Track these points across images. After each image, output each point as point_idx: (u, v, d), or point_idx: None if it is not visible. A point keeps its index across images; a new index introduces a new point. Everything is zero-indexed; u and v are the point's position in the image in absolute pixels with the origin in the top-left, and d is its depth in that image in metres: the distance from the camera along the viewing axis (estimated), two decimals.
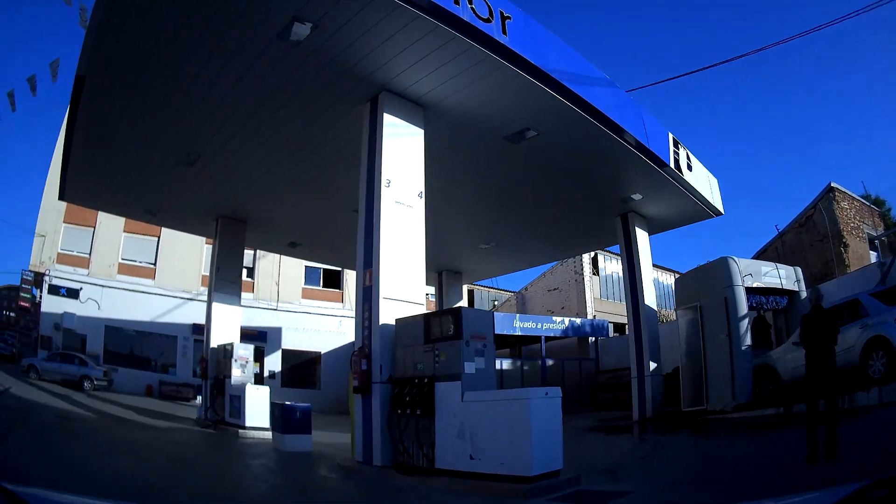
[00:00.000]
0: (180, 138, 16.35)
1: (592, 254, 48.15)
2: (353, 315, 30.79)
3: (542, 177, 18.52)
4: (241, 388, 18.24)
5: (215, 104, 14.53)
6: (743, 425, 15.68)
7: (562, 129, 15.34)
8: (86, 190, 20.64)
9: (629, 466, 11.72)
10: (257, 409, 17.92)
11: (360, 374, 11.65)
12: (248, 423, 17.69)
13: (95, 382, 29.71)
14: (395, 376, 11.51)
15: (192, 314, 34.82)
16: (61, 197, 21.58)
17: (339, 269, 40.92)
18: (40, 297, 37.03)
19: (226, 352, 19.89)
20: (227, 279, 21.67)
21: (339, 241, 23.16)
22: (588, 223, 22.66)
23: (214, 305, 21.29)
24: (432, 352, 10.78)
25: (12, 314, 59.53)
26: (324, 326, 39.78)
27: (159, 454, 13.38)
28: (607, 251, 48.02)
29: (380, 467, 11.15)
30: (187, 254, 37.44)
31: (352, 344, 32.78)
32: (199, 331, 31.88)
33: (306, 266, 40.69)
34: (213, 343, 20.82)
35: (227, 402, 19.06)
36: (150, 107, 14.85)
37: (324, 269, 41.80)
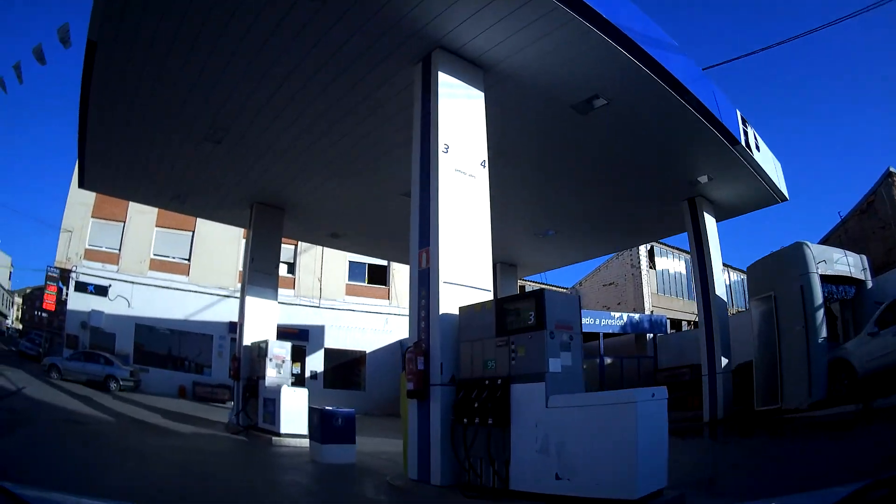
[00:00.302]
0: (204, 112, 14.92)
1: (648, 246, 46.24)
2: (401, 312, 31.85)
3: (607, 155, 16.88)
4: (276, 391, 16.74)
5: (241, 70, 13.01)
6: (826, 425, 14.61)
7: (633, 98, 13.67)
8: (106, 175, 19.43)
9: (726, 477, 10.49)
10: (294, 413, 16.41)
11: (416, 375, 9.91)
12: (282, 430, 16.23)
13: (121, 383, 29.09)
14: (460, 377, 9.76)
15: (229, 312, 33.73)
16: (81, 185, 20.25)
17: (385, 263, 40.18)
18: (66, 294, 36.28)
19: (260, 350, 18.40)
20: (262, 271, 20.32)
21: (385, 230, 22.14)
22: (653, 209, 20.98)
23: (248, 300, 19.91)
24: (507, 346, 8.99)
25: (45, 314, 59.15)
26: (369, 324, 38.83)
27: (172, 464, 11.92)
28: (662, 243, 46.84)
29: (439, 487, 9.37)
30: (223, 249, 36.88)
31: (399, 343, 32.71)
32: (236, 329, 31.41)
33: (350, 261, 40.11)
34: (247, 341, 19.44)
35: (261, 406, 17.62)
36: (169, 75, 13.41)
37: (369, 265, 41.05)
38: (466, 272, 10.55)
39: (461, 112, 11.47)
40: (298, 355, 32.59)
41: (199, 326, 35.97)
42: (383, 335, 38.44)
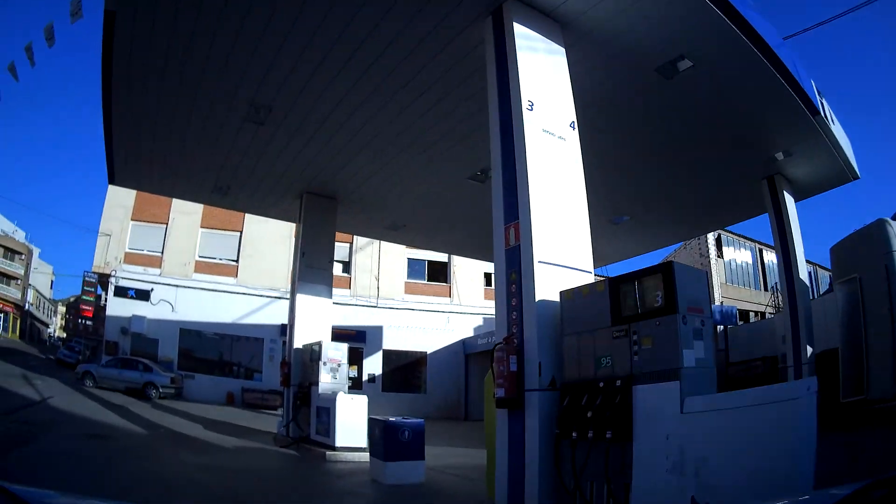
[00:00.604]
0: (242, 88, 13.42)
1: (716, 235, 44.46)
2: (463, 311, 31.73)
3: (687, 128, 15.06)
4: (331, 399, 15.05)
5: (282, 35, 11.53)
6: None
7: (718, 60, 12.06)
8: (137, 168, 18.22)
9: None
10: (351, 424, 14.76)
11: (508, 379, 8.05)
12: (338, 443, 14.61)
13: (161, 390, 28.21)
14: (564, 380, 7.94)
15: (280, 314, 32.21)
16: (111, 181, 18.95)
17: (446, 259, 39.29)
18: (106, 300, 35.73)
19: (313, 353, 16.84)
20: (314, 267, 18.82)
21: (450, 219, 20.91)
22: (730, 189, 19.14)
23: (299, 298, 18.40)
24: (627, 337, 7.12)
25: (88, 322, 58.81)
26: (430, 324, 37.80)
27: (203, 491, 10.00)
28: (728, 231, 45.40)
29: None
30: (273, 249, 36.19)
31: (461, 343, 31.71)
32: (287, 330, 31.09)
33: (409, 258, 39.33)
34: (298, 343, 17.91)
35: (314, 416, 16.08)
36: (199, 47, 12.02)
37: (429, 262, 40.02)
38: (563, 250, 8.80)
39: (543, 67, 9.82)
40: (355, 358, 31.57)
41: (248, 330, 35.23)
42: (445, 335, 37.32)
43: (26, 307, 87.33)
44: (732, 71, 12.40)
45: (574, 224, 9.15)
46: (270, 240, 35.90)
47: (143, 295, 34.43)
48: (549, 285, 8.33)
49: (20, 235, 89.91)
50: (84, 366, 30.29)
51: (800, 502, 3.55)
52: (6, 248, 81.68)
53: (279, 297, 35.32)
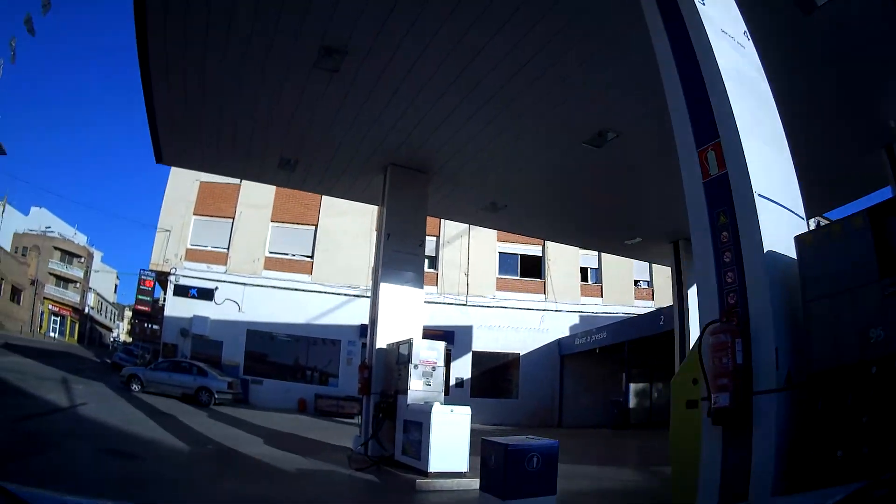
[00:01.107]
0: (311, 23, 10.95)
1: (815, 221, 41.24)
2: (558, 308, 30.63)
3: (820, 77, 11.93)
4: (425, 411, 12.19)
5: None
6: None
7: None
8: (187, 140, 16.42)
9: None
10: (450, 444, 11.86)
11: (732, 376, 5.23)
12: (432, 468, 11.60)
13: (217, 396, 26.49)
14: (814, 369, 5.19)
15: (360, 314, 30.87)
16: (159, 159, 17.06)
17: (539, 253, 37.24)
18: (164, 299, 35.22)
19: (400, 355, 14.14)
20: (402, 251, 16.19)
21: (562, 195, 18.66)
22: (845, 163, 16.01)
23: (384, 289, 15.79)
24: None
25: (155, 327, 57.94)
26: (523, 323, 35.67)
27: None
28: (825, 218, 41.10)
29: None
30: (352, 243, 35.03)
31: (556, 343, 30.05)
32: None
33: (500, 252, 37.21)
34: (381, 342, 15.32)
35: (400, 432, 13.30)
36: None
37: (521, 256, 37.80)
38: (780, 184, 6.15)
39: None
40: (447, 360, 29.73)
41: (324, 331, 33.88)
42: (538, 335, 35.29)
43: (86, 311, 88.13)
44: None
45: (778, 150, 6.51)
46: (349, 234, 34.61)
47: (207, 294, 33.30)
48: (776, 229, 5.66)
49: (80, 239, 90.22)
50: (130, 368, 28.83)
51: (800, 502, 3.62)
52: (63, 251, 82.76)
53: (358, 296, 33.66)
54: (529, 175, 17.07)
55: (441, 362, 13.81)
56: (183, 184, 35.22)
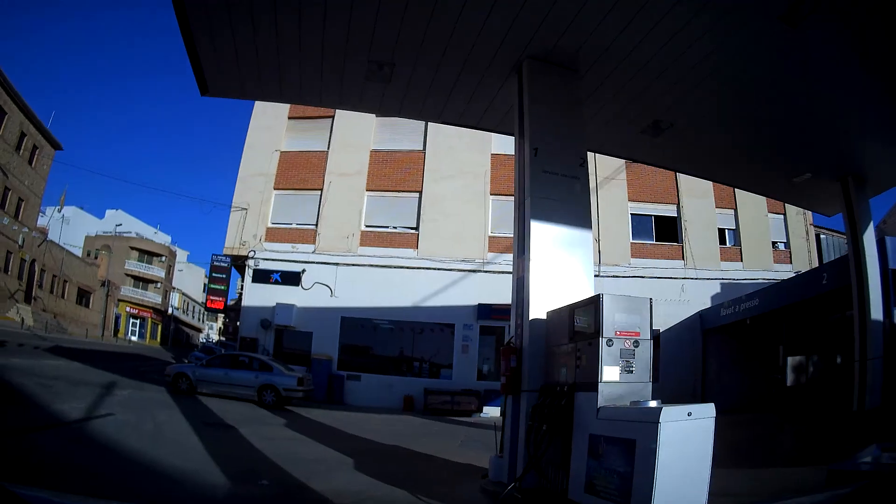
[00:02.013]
0: None
1: None
2: (699, 276, 30.00)
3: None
4: (643, 419, 7.29)
5: None
6: None
7: None
8: (237, 57, 12.90)
9: None
10: (688, 476, 7.09)
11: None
12: None
13: (284, 394, 23.67)
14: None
15: (476, 291, 29.28)
16: (205, 90, 13.98)
17: (675, 214, 33.52)
18: (241, 287, 32.94)
19: (576, 326, 9.16)
20: (556, 171, 11.37)
21: (750, 101, 13.96)
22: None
23: (535, 229, 10.83)
24: None
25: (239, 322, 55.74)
26: (661, 293, 30.57)
27: None
28: None
29: None
30: (464, 209, 31.97)
31: (697, 316, 30.68)
32: (488, 314, 29.09)
33: (633, 213, 33.21)
34: (536, 310, 10.40)
35: (582, 453, 8.27)
36: None
37: (655, 217, 33.76)
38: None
39: None
40: None
41: (433, 314, 30.50)
42: (678, 307, 31.10)
43: (170, 311, 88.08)
44: None
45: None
46: (459, 199, 31.39)
47: (292, 278, 30.39)
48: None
49: (164, 239, 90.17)
50: (177, 367, 25.63)
51: (800, 502, 4.14)
52: (142, 251, 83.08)
53: (474, 271, 30.42)
54: (702, 76, 12.76)
55: (647, 332, 8.80)
56: (260, 156, 32.93)
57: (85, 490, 8.29)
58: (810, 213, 32.11)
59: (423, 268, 30.52)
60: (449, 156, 32.06)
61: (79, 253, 72.86)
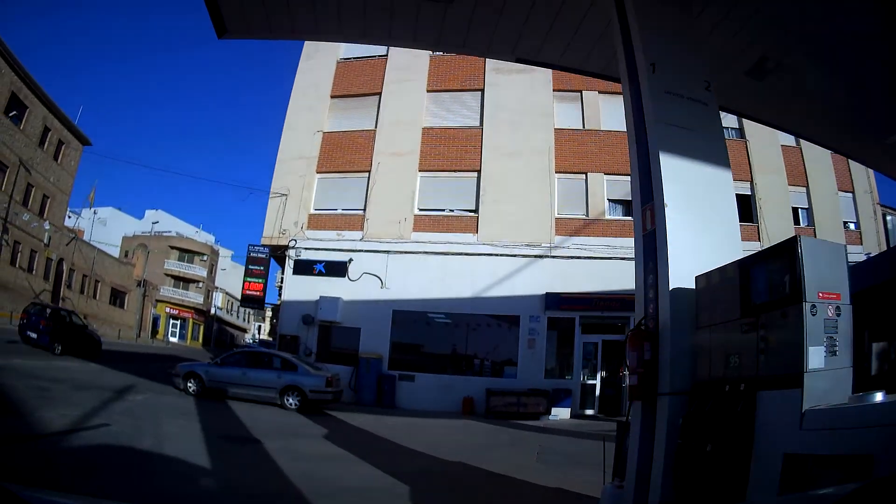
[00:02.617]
0: None
1: None
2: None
3: None
4: (878, 423, 4.89)
5: None
6: None
7: None
8: None
9: None
10: None
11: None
12: None
13: (310, 396, 21.53)
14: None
15: (544, 279, 27.04)
16: (221, 31, 12.17)
17: (749, 192, 30.92)
18: (280, 280, 31.43)
19: (753, 284, 6.47)
20: (681, 92, 8.86)
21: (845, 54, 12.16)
22: None
23: (665, 163, 8.19)
24: None
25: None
26: None
27: None
28: None
29: None
30: (528, 189, 29.37)
31: None
32: (557, 303, 26.86)
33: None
34: (677, 276, 7.70)
35: (770, 481, 5.73)
36: None
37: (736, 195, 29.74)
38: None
39: None
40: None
41: (496, 305, 28.14)
42: None
43: (212, 311, 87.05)
44: None
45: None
46: (522, 177, 28.98)
47: (337, 269, 28.24)
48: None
49: (207, 238, 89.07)
50: (187, 366, 23.02)
51: (800, 502, 3.82)
52: (182, 250, 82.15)
53: (540, 256, 28.00)
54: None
55: (847, 293, 6.15)
56: (301, 138, 31.03)
57: None
58: (876, 191, 31.19)
59: (484, 254, 28.10)
60: (509, 131, 29.73)
61: (116, 254, 71.81)
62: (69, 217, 65.01)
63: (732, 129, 30.18)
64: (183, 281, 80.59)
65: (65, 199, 54.44)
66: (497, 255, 27.95)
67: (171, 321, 78.40)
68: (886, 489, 2.40)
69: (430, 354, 28.29)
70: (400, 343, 27.84)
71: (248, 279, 30.42)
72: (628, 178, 25.80)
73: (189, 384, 21.53)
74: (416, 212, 29.21)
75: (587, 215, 28.29)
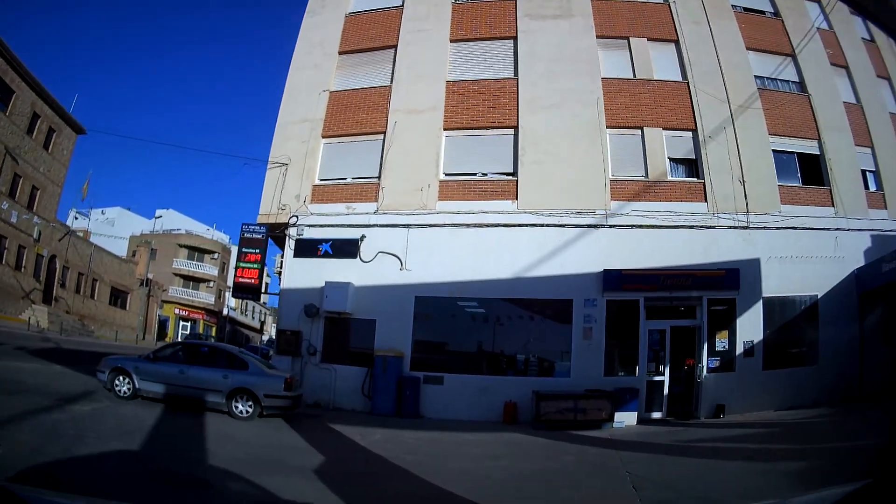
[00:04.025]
0: None
1: None
2: (853, 227, 24.48)
3: None
4: None
5: None
6: None
7: None
8: None
9: None
10: None
11: None
12: None
13: (265, 400, 17.59)
14: None
15: (600, 254, 22.25)
16: None
17: (817, 151, 26.37)
18: (280, 265, 27.23)
19: None
20: None
21: None
22: None
23: None
24: None
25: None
26: (812, 250, 24.78)
27: None
28: None
29: None
30: (576, 147, 24.55)
31: (852, 276, 24.70)
32: (618, 283, 22.06)
33: (774, 150, 26.07)
34: None
35: None
36: None
37: (798, 154, 26.72)
38: None
39: None
40: (723, 317, 22.40)
41: (541, 287, 22.93)
42: (832, 266, 24.65)
43: (225, 312, 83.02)
44: None
45: None
46: (569, 133, 24.35)
47: (347, 248, 23.47)
48: None
49: (220, 238, 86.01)
50: (115, 359, 18.90)
51: (800, 502, 3.83)
52: (192, 248, 78.57)
53: (595, 226, 23.15)
54: None
55: None
56: (304, 99, 26.46)
57: None
58: None
59: (526, 224, 23.04)
60: (548, 82, 24.97)
61: (124, 254, 68.71)
62: (76, 218, 62.47)
63: (792, 82, 26.12)
64: (193, 280, 76.81)
65: (56, 190, 50.08)
66: (542, 225, 22.97)
67: (181, 323, 74.45)
68: (886, 489, 2.55)
69: (462, 351, 23.42)
70: (424, 337, 23.12)
71: (242, 265, 25.32)
72: (690, 133, 21.32)
73: (117, 384, 17.72)
74: (442, 177, 24.42)
75: (646, 176, 23.56)
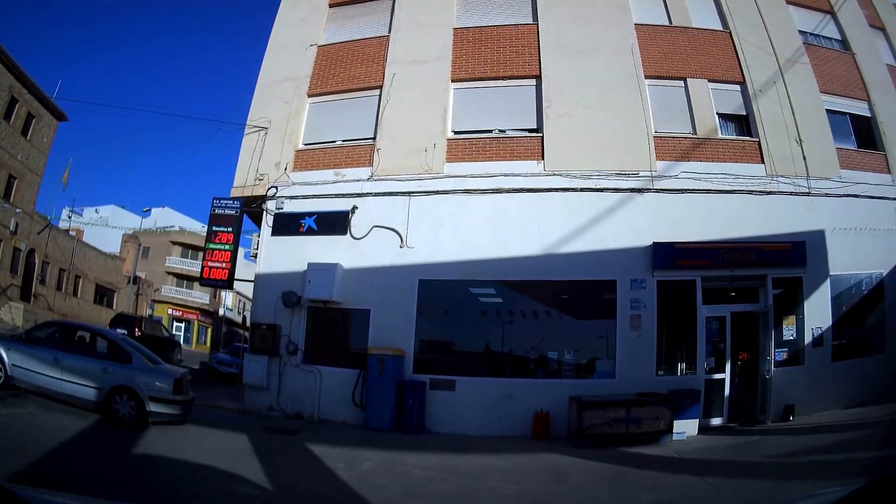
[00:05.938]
0: None
1: None
2: None
3: None
4: None
5: None
6: None
7: None
8: None
9: None
10: None
11: None
12: None
13: (150, 404, 14.01)
14: None
15: (646, 224, 17.85)
16: None
17: (869, 114, 22.68)
18: (257, 246, 21.59)
19: None
20: None
21: None
22: None
23: None
24: None
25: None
26: (874, 221, 21.02)
27: None
28: None
29: None
30: (614, 96, 20.35)
31: None
32: (670, 259, 17.51)
33: (827, 110, 22.18)
34: None
35: None
36: None
37: (851, 116, 22.95)
38: None
39: None
40: (787, 301, 18.38)
41: (575, 265, 18.22)
42: (891, 238, 21.02)
43: (221, 312, 79.20)
44: None
45: None
46: (602, 81, 20.26)
47: (335, 222, 19.00)
48: None
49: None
50: None
51: (800, 502, 4.04)
52: (185, 245, 74.64)
53: (638, 190, 18.81)
54: None
55: None
56: (289, 55, 22.45)
57: None
58: None
59: (555, 189, 18.40)
60: (575, 27, 20.72)
61: (118, 253, 65.13)
62: (69, 217, 60.30)
63: (835, 39, 22.76)
64: (187, 279, 72.49)
65: (36, 180, 46.14)
66: (575, 189, 18.33)
67: (175, 323, 69.76)
68: (886, 489, 2.43)
69: (476, 351, 18.49)
70: (431, 331, 18.42)
71: (211, 246, 20.61)
72: (738, 86, 20.90)
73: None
74: (450, 135, 19.88)
75: (694, 133, 19.26)
